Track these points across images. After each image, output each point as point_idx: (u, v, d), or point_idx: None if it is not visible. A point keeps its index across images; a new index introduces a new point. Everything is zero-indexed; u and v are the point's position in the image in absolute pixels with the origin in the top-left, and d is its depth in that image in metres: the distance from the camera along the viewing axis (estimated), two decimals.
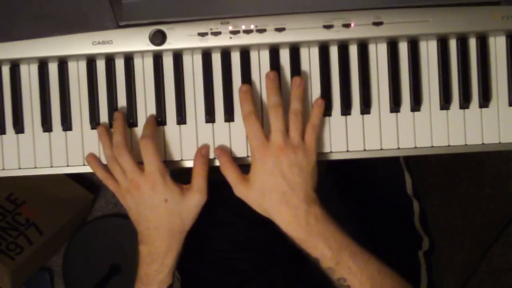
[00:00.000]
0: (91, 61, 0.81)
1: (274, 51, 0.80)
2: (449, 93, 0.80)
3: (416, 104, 0.80)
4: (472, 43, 0.80)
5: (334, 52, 0.80)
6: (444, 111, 0.80)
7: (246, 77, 0.80)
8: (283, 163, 0.74)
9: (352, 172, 1.01)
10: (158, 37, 0.78)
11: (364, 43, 0.80)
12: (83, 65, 0.82)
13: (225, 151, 0.79)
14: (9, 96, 0.82)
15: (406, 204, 0.99)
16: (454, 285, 1.67)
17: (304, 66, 0.80)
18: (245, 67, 0.80)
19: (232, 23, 0.77)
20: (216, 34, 0.78)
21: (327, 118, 0.80)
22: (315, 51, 0.80)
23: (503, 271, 1.68)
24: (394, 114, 0.80)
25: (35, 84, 0.82)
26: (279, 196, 0.74)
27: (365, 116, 0.80)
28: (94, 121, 0.82)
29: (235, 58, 0.81)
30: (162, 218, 0.77)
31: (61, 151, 0.82)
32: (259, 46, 0.80)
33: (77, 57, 0.81)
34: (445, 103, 0.80)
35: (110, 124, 0.81)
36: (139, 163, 0.78)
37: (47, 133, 0.82)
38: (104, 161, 0.81)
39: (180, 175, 0.80)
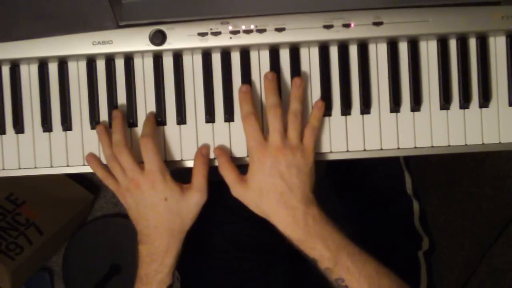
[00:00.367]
0: (91, 61, 0.81)
1: (274, 51, 0.80)
2: (449, 93, 0.80)
3: (416, 104, 0.80)
4: (472, 43, 0.80)
5: (334, 52, 0.80)
6: (444, 111, 0.80)
7: (246, 77, 0.80)
8: (281, 164, 0.74)
9: (352, 172, 1.01)
10: (158, 37, 0.78)
11: (364, 43, 0.80)
12: (83, 65, 0.82)
13: (224, 151, 0.79)
14: (9, 96, 0.82)
15: (406, 204, 0.99)
16: (454, 285, 1.67)
17: (304, 66, 0.80)
18: (245, 67, 0.80)
19: (232, 23, 0.77)
20: (216, 34, 0.78)
21: (327, 118, 0.80)
22: (315, 51, 0.80)
23: (503, 271, 1.69)
24: (394, 114, 0.80)
25: (35, 84, 0.82)
26: (277, 196, 0.74)
27: (365, 116, 0.80)
28: (94, 121, 0.82)
29: (235, 58, 0.81)
30: (161, 217, 0.77)
31: (61, 151, 0.82)
32: (259, 46, 0.80)
33: (77, 57, 0.81)
34: (445, 103, 0.80)
35: (110, 124, 0.81)
36: (139, 162, 0.78)
37: (47, 133, 0.82)
38: (104, 161, 0.81)
39: (180, 175, 0.80)
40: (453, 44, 0.80)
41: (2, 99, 0.82)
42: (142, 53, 0.80)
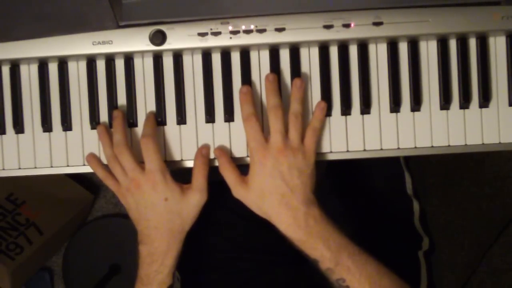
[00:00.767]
0: (91, 61, 0.81)
1: (274, 51, 0.80)
2: (449, 93, 0.80)
3: (416, 104, 0.80)
4: (472, 43, 0.80)
5: (334, 52, 0.80)
6: (444, 111, 0.80)
7: (246, 77, 0.80)
8: (283, 166, 0.74)
9: (352, 172, 1.01)
10: (158, 37, 0.78)
11: (364, 43, 0.80)
12: (83, 65, 0.82)
13: (225, 151, 0.79)
14: (9, 96, 0.82)
15: (406, 204, 0.99)
16: (454, 285, 1.67)
17: (304, 66, 0.80)
18: (245, 67, 0.80)
19: (232, 23, 0.77)
20: (216, 34, 0.78)
21: (327, 118, 0.80)
22: (315, 51, 0.80)
23: (503, 271, 1.68)
24: (394, 114, 0.80)
25: (35, 84, 0.82)
26: (278, 198, 0.74)
27: (365, 116, 0.80)
28: (94, 121, 0.82)
29: (235, 58, 0.81)
30: (162, 217, 0.77)
31: (61, 151, 0.82)
32: (259, 46, 0.80)
33: (77, 57, 0.81)
34: (445, 103, 0.80)
35: (110, 124, 0.81)
36: (140, 163, 0.78)
37: (47, 133, 0.82)
38: (104, 161, 0.81)
39: (180, 175, 0.80)
40: (453, 44, 0.80)
41: (2, 99, 0.82)
42: (142, 53, 0.80)
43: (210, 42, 0.78)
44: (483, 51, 0.80)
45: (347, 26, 0.77)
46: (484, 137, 0.80)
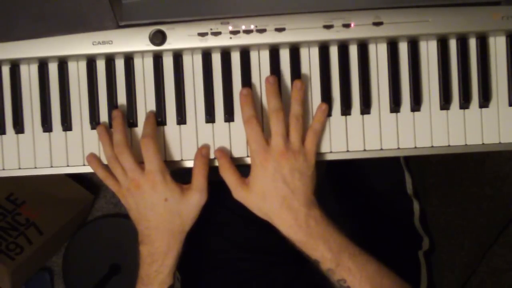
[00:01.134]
0: (91, 61, 0.81)
1: (274, 51, 0.80)
2: (449, 93, 0.80)
3: (416, 104, 0.80)
4: (472, 43, 0.80)
5: (334, 52, 0.80)
6: (444, 111, 0.80)
7: (246, 77, 0.80)
8: (284, 168, 0.74)
9: (352, 172, 1.01)
10: (158, 37, 0.78)
11: (364, 43, 0.80)
12: (83, 65, 0.82)
13: (225, 153, 0.79)
14: (9, 96, 0.82)
15: (406, 204, 0.99)
16: (454, 285, 1.67)
17: (304, 66, 0.80)
18: (245, 67, 0.80)
19: (232, 23, 0.77)
20: (216, 34, 0.78)
21: (327, 118, 0.80)
22: (315, 51, 0.80)
23: (503, 271, 1.69)
24: (394, 114, 0.80)
25: (35, 84, 0.82)
26: (280, 200, 0.74)
27: (365, 116, 0.80)
28: (94, 121, 0.82)
29: (235, 58, 0.81)
30: (162, 217, 0.77)
31: (61, 151, 0.82)
32: (259, 46, 0.80)
33: (77, 57, 0.81)
34: (445, 103, 0.80)
35: (110, 125, 0.81)
36: (140, 163, 0.78)
37: (47, 133, 0.82)
38: (104, 161, 0.81)
39: (180, 175, 0.80)
40: (453, 44, 0.80)
41: (2, 99, 0.82)
42: (142, 53, 0.80)
43: (210, 42, 0.78)
44: (483, 51, 0.80)
45: (347, 26, 0.77)
46: (484, 137, 0.80)
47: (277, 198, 0.74)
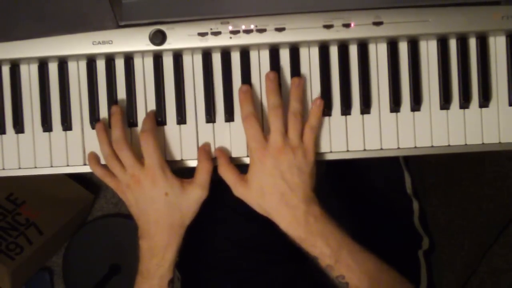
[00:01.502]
0: (91, 61, 0.81)
1: (274, 51, 0.80)
2: (449, 93, 0.80)
3: (416, 104, 0.80)
4: (472, 43, 0.80)
5: (334, 52, 0.80)
6: (444, 111, 0.80)
7: (246, 77, 0.80)
8: (282, 164, 0.74)
9: (352, 172, 1.01)
10: (158, 37, 0.78)
11: (364, 43, 0.80)
12: (83, 65, 0.82)
13: (225, 152, 0.79)
14: (9, 96, 0.82)
15: (406, 203, 0.99)
16: (454, 285, 1.67)
17: (304, 66, 0.80)
18: (245, 67, 0.80)
19: (232, 23, 0.77)
20: (216, 34, 0.78)
21: (327, 118, 0.80)
22: (315, 51, 0.80)
23: (503, 271, 1.69)
24: (394, 114, 0.80)
25: (35, 84, 0.82)
26: (278, 196, 0.74)
27: (365, 116, 0.80)
28: (94, 121, 0.81)
29: (235, 58, 0.81)
30: (161, 211, 0.77)
31: (61, 151, 0.82)
32: (259, 46, 0.80)
33: (77, 57, 0.81)
34: (445, 103, 0.80)
35: (109, 124, 0.81)
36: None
37: (47, 133, 0.82)
38: (104, 161, 0.81)
39: (180, 176, 0.80)
40: (453, 44, 0.80)
41: (2, 99, 0.82)
42: (142, 53, 0.80)
43: (210, 42, 0.78)
44: (483, 51, 0.80)
45: (347, 26, 0.77)
46: (484, 137, 0.80)
47: (276, 194, 0.74)
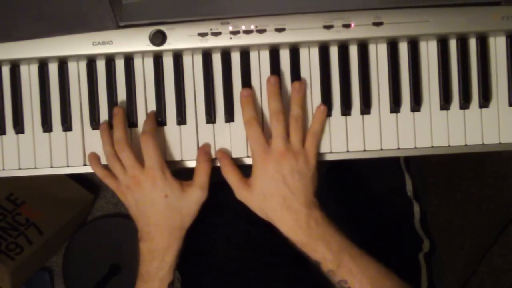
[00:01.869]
0: (91, 61, 0.81)
1: (274, 51, 0.80)
2: (449, 93, 0.80)
3: (416, 104, 0.80)
4: (472, 43, 0.80)
5: (334, 52, 0.80)
6: (444, 111, 0.80)
7: (246, 77, 0.80)
8: (284, 169, 0.74)
9: (352, 174, 1.01)
10: (158, 38, 0.78)
11: (364, 43, 0.80)
12: (83, 65, 0.82)
13: (227, 154, 0.79)
14: (9, 96, 0.82)
15: (407, 206, 0.99)
16: (454, 285, 1.67)
17: (304, 66, 0.80)
18: (245, 68, 0.80)
19: (232, 23, 0.77)
20: (216, 34, 0.78)
21: (327, 118, 0.80)
22: (315, 51, 0.80)
23: (503, 271, 1.69)
24: (394, 114, 0.80)
25: (35, 84, 0.82)
26: (280, 200, 0.74)
27: (365, 116, 0.80)
28: (94, 122, 0.82)
29: (235, 58, 0.81)
30: (161, 213, 0.77)
31: (61, 151, 0.82)
32: (259, 47, 0.79)
33: (77, 57, 0.81)
34: (445, 103, 0.80)
35: (111, 125, 0.81)
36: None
37: (47, 134, 0.82)
38: (104, 161, 0.81)
39: (180, 176, 0.80)
40: (453, 44, 0.80)
41: (2, 99, 0.82)
42: (142, 53, 0.80)
43: (210, 42, 0.78)
44: (483, 51, 0.80)
45: (347, 26, 0.77)
46: (484, 137, 0.80)
47: (277, 198, 0.74)
